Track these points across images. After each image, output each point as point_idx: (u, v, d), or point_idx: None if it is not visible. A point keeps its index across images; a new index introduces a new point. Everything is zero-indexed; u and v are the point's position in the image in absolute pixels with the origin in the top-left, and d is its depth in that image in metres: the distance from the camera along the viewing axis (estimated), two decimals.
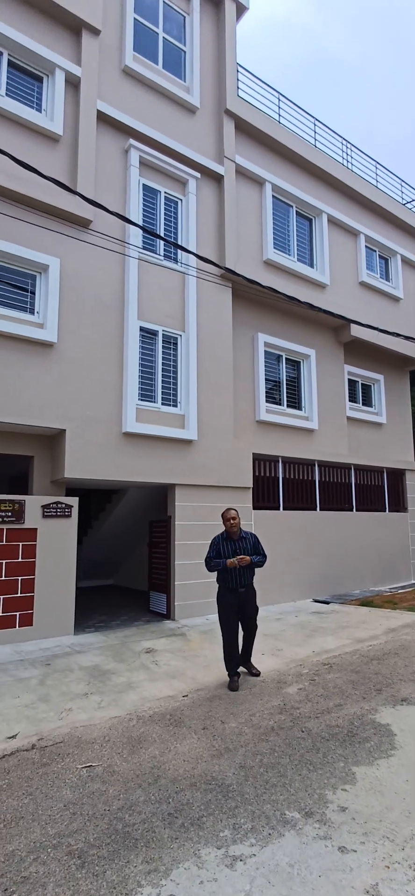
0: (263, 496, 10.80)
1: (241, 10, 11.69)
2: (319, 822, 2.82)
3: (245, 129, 11.44)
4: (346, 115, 72.80)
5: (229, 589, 5.48)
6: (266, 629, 7.89)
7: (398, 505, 14.10)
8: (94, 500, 12.69)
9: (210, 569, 5.54)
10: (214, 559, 5.52)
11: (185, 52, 10.75)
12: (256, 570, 5.76)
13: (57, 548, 7.69)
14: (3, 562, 7.13)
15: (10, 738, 4.09)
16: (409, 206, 15.94)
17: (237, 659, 5.49)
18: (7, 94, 8.25)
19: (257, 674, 5.63)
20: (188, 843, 2.64)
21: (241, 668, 5.68)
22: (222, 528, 5.80)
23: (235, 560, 5.34)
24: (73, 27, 8.87)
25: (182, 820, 2.86)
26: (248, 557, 5.42)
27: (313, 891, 2.30)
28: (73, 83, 8.86)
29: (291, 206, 12.43)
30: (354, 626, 8.03)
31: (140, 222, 9.30)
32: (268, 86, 12.41)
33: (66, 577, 7.73)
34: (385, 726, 4.09)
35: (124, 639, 7.43)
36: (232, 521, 5.56)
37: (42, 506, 7.59)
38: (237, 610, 5.50)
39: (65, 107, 8.70)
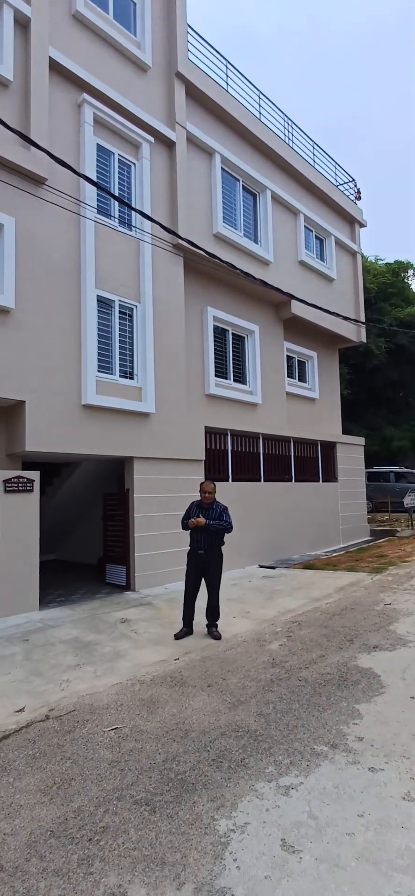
0: (215, 468, 11.11)
1: None
2: (345, 751, 3.22)
3: (195, 96, 11.29)
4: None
5: (192, 549, 6.17)
6: (228, 594, 8.29)
7: (330, 475, 15.15)
8: (41, 473, 12.22)
9: (183, 527, 6.24)
10: (184, 519, 6.25)
11: (135, 3, 10.31)
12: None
13: (20, 523, 7.44)
14: None
15: (18, 711, 4.07)
16: (341, 188, 16.76)
17: (189, 613, 6.14)
18: None
19: (217, 637, 5.95)
20: (242, 781, 2.91)
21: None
22: (189, 500, 6.68)
23: (193, 520, 6.01)
24: None
25: (227, 763, 3.12)
26: (202, 520, 5.97)
27: (362, 804, 2.69)
28: (22, 24, 8.21)
29: (239, 180, 12.58)
30: (306, 587, 8.68)
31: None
32: (216, 52, 12.29)
33: (29, 552, 7.52)
34: (369, 670, 4.63)
35: (93, 611, 7.43)
36: (206, 494, 6.20)
37: (3, 480, 7.26)
38: (198, 569, 6.11)
39: (14, 50, 8.07)
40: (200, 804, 2.72)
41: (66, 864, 2.36)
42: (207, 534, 6.02)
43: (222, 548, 6.26)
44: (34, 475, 7.72)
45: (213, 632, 6.04)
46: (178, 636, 6.01)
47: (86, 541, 12.46)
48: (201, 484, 6.31)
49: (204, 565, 6.08)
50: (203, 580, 6.16)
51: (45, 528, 12.67)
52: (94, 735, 3.58)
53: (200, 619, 6.19)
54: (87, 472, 10.81)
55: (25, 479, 7.54)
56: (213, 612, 6.15)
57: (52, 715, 3.97)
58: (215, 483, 6.45)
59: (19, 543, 7.41)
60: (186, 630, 6.11)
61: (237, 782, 2.91)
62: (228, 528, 6.16)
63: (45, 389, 7.86)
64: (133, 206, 9.77)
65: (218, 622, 6.18)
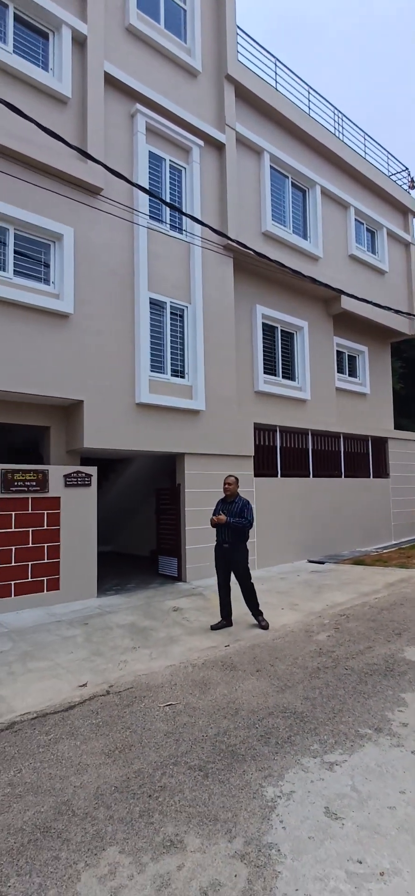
0: (264, 464, 11.26)
1: None
2: (388, 734, 3.34)
3: (244, 96, 11.44)
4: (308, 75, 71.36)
5: (218, 543, 6.37)
6: (276, 587, 8.45)
7: (381, 471, 14.88)
8: (98, 469, 12.86)
9: (211, 524, 6.36)
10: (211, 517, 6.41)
11: (185, 10, 10.58)
12: (252, 531, 6.30)
13: (79, 515, 7.95)
14: (30, 529, 7.34)
15: (81, 686, 4.45)
16: (394, 178, 16.34)
17: (224, 605, 6.30)
18: (14, 52, 8.05)
19: (265, 627, 6.11)
20: (288, 756, 3.11)
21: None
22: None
23: (215, 518, 6.19)
24: None
25: (275, 739, 3.32)
26: (223, 517, 6.14)
27: (404, 782, 2.81)
28: (79, 41, 8.69)
29: (288, 177, 12.61)
30: (355, 583, 8.67)
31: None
32: (266, 50, 12.38)
33: (88, 543, 8.02)
34: None
35: (147, 600, 7.82)
36: (226, 486, 6.42)
37: (64, 475, 7.78)
38: (224, 562, 6.29)
39: (72, 67, 8.55)
40: (249, 773, 2.94)
41: (130, 814, 2.65)
42: (230, 528, 6.20)
43: (247, 542, 6.38)
44: (92, 470, 8.21)
45: (260, 621, 6.22)
46: (215, 627, 6.15)
47: (139, 533, 12.98)
48: (224, 479, 6.51)
49: (230, 560, 6.24)
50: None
51: (102, 521, 13.31)
52: (150, 709, 3.89)
53: (247, 610, 6.40)
54: (141, 468, 11.27)
55: (84, 474, 8.03)
56: (250, 603, 6.30)
57: (112, 690, 4.32)
58: (236, 476, 6.53)
59: (79, 534, 7.92)
60: (224, 622, 6.24)
61: (284, 756, 3.11)
62: (248, 526, 6.24)
63: (102, 389, 8.32)
64: (184, 209, 10.08)
65: (263, 612, 6.34)
